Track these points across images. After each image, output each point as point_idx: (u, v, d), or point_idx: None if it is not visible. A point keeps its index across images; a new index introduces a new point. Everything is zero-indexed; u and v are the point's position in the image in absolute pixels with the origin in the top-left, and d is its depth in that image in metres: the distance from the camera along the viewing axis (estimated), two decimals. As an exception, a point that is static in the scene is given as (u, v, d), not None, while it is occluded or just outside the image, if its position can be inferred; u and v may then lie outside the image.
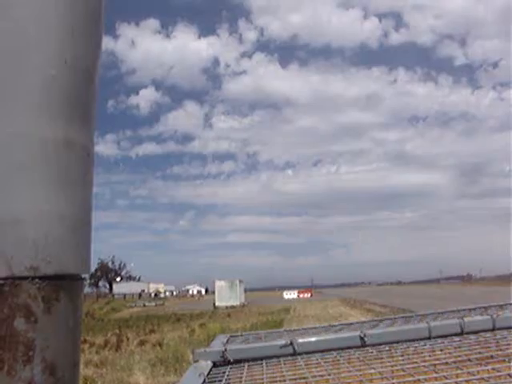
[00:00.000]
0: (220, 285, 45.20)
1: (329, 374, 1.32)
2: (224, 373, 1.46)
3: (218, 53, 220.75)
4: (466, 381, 1.14)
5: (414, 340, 1.66)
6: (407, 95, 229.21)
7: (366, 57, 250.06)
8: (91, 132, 0.69)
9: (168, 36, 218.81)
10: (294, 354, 1.61)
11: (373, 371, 1.30)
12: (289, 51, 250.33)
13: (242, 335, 2.17)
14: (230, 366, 1.55)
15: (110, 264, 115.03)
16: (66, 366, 0.62)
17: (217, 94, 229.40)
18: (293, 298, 57.36)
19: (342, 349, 1.63)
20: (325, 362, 1.49)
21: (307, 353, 1.62)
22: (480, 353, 1.41)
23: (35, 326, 0.58)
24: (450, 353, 1.46)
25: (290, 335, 1.84)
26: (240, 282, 45.98)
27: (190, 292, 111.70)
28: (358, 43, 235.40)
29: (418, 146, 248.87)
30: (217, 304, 41.94)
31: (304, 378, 1.31)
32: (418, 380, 1.18)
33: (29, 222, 0.59)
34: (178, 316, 27.95)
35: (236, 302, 42.32)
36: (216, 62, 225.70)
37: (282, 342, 1.64)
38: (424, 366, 1.32)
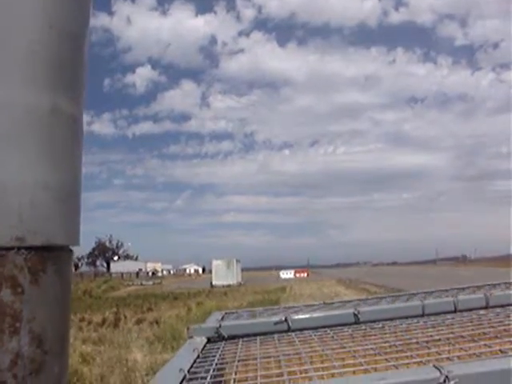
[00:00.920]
0: (217, 264, 45.50)
1: (322, 350, 1.33)
2: (218, 348, 1.47)
3: (216, 31, 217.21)
4: (458, 356, 1.15)
5: (407, 317, 1.68)
6: (406, 76, 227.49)
7: (365, 36, 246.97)
8: (79, 100, 0.67)
9: (164, 13, 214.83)
10: (289, 330, 1.62)
11: (365, 347, 1.31)
12: (287, 30, 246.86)
13: (236, 312, 2.18)
14: (224, 342, 1.56)
15: (107, 243, 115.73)
16: (54, 338, 0.61)
17: (214, 73, 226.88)
18: (289, 278, 57.84)
19: (336, 326, 1.64)
20: (318, 338, 1.50)
21: (301, 329, 1.63)
22: (472, 330, 1.42)
23: (22, 297, 0.57)
24: (442, 330, 1.47)
25: (285, 312, 1.85)
26: (237, 261, 46.31)
27: (188, 271, 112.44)
28: (357, 22, 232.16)
29: (416, 127, 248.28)
30: (214, 283, 42.27)
31: (297, 353, 1.32)
32: (411, 356, 1.19)
33: (12, 190, 0.57)
34: (175, 295, 28.16)
35: (233, 281, 42.67)
36: (213, 40, 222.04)
37: (277, 318, 1.65)
38: (416, 342, 1.33)
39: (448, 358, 1.14)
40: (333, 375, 1.05)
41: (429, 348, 1.25)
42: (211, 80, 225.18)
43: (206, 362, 1.29)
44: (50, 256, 0.61)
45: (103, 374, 7.67)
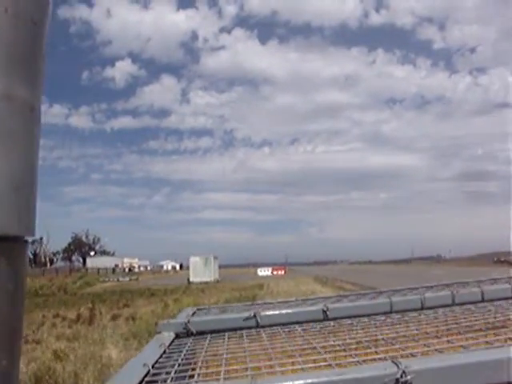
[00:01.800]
0: (194, 261, 45.29)
1: (289, 346, 1.34)
2: (186, 344, 1.46)
3: (197, 27, 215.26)
4: (421, 352, 1.17)
5: (375, 314, 1.70)
6: (385, 77, 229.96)
7: (345, 37, 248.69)
8: (37, 88, 0.65)
9: (145, 7, 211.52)
10: (257, 326, 1.62)
11: (332, 343, 1.32)
12: (268, 28, 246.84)
13: (207, 308, 2.17)
14: (192, 338, 1.56)
15: (83, 238, 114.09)
16: (4, 331, 0.59)
17: (194, 69, 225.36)
18: (267, 275, 57.94)
19: (305, 322, 1.65)
20: (286, 334, 1.51)
21: (270, 326, 1.63)
22: (437, 326, 1.45)
23: (-30, 288, 0.56)
24: (408, 326, 1.49)
25: (255, 308, 1.85)
26: (214, 258, 46.16)
27: (165, 267, 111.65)
28: (338, 22, 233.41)
29: (395, 127, 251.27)
30: (191, 280, 42.08)
31: (264, 349, 1.32)
32: (375, 352, 1.20)
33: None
34: (152, 291, 27.94)
35: (210, 278, 42.53)
36: (194, 35, 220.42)
37: (246, 314, 1.65)
38: (382, 339, 1.35)
39: (411, 354, 1.16)
40: (296, 371, 1.06)
41: (393, 344, 1.27)
42: (192, 76, 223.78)
43: (171, 357, 1.28)
44: (2, 246, 0.59)
45: (76, 371, 7.55)
